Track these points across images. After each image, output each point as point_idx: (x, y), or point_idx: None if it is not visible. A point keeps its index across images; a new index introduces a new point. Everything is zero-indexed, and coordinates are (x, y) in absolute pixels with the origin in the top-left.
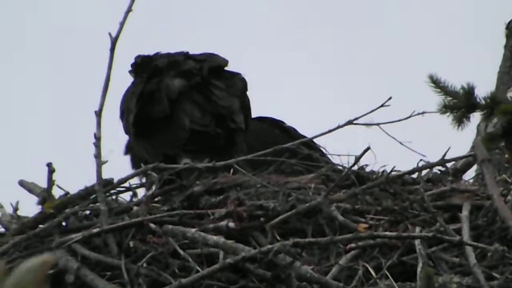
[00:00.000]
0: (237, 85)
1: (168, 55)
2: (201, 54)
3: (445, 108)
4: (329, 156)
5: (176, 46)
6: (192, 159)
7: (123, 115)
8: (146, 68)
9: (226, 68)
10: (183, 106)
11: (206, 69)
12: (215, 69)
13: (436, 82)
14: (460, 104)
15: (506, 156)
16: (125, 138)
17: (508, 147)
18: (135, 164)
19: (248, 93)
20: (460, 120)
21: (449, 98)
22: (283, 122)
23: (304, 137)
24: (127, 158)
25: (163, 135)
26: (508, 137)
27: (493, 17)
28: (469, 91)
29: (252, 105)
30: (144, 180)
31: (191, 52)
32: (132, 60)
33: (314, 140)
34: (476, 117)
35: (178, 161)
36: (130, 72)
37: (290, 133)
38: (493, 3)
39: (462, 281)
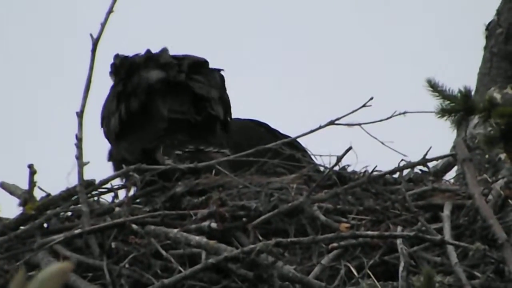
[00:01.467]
0: (215, 79)
1: (147, 53)
2: (179, 54)
3: (443, 112)
4: (312, 156)
5: (158, 47)
6: (171, 150)
7: (104, 120)
8: (125, 69)
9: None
10: (160, 96)
11: (186, 64)
12: (194, 64)
13: (434, 86)
14: (458, 107)
15: (503, 156)
16: (106, 144)
17: (506, 150)
18: (117, 170)
19: (227, 90)
20: (459, 123)
21: (447, 102)
22: (267, 125)
23: (288, 137)
24: (110, 164)
25: (141, 129)
26: (506, 140)
27: (472, 19)
28: (467, 94)
29: (234, 106)
30: (125, 181)
31: (170, 53)
32: (112, 60)
33: (297, 140)
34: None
35: (157, 155)
36: (110, 74)
37: (275, 133)
38: (473, 4)
39: (444, 280)
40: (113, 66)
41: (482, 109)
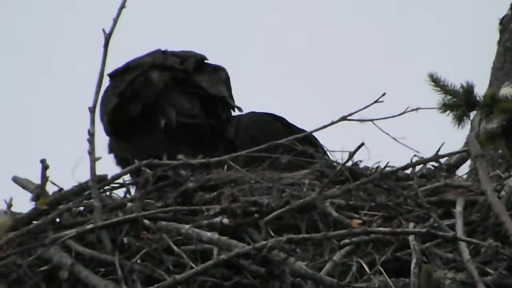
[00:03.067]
0: (220, 75)
1: (147, 55)
2: (178, 51)
3: (445, 107)
4: (327, 151)
5: (169, 42)
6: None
7: (104, 116)
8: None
9: (207, 62)
10: (167, 98)
11: (192, 62)
12: (198, 61)
13: (436, 81)
14: (460, 102)
15: (502, 152)
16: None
17: (507, 146)
18: (118, 162)
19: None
20: (461, 118)
21: (449, 97)
22: (284, 119)
23: (304, 132)
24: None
25: (146, 134)
26: (507, 136)
27: (487, 13)
28: (469, 90)
29: (247, 100)
30: (135, 178)
31: (169, 50)
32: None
33: (313, 135)
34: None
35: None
36: (108, 75)
37: (291, 128)
38: None
39: (456, 277)
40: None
41: (484, 105)
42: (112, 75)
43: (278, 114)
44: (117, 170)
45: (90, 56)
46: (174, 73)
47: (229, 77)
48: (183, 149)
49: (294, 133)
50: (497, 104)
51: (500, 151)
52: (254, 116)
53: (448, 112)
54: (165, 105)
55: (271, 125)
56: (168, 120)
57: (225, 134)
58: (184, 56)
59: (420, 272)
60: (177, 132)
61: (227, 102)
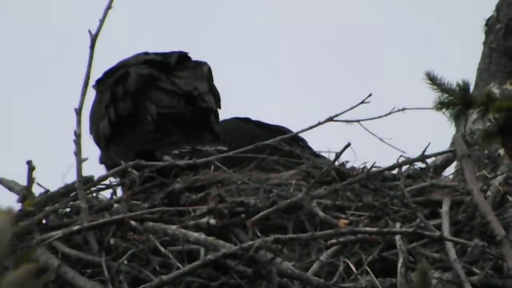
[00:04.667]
0: (203, 70)
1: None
2: (161, 52)
3: (441, 105)
4: (310, 147)
5: (155, 43)
6: (167, 152)
7: (93, 126)
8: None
9: (189, 57)
10: (148, 94)
11: (175, 57)
12: (180, 59)
13: (432, 79)
14: (456, 101)
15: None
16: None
17: (504, 145)
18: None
19: (215, 82)
20: (458, 116)
21: (445, 95)
22: (252, 119)
23: (278, 127)
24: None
25: (132, 133)
26: (503, 134)
27: (472, 14)
28: (465, 88)
29: (231, 102)
30: (121, 179)
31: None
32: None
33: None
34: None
35: (156, 154)
36: (93, 87)
37: (266, 126)
38: (472, 0)
39: (443, 277)
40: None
41: (480, 103)
42: (97, 85)
43: (245, 117)
44: (103, 171)
45: (77, 58)
46: (154, 68)
47: (211, 72)
48: (171, 140)
49: (271, 133)
50: (493, 103)
51: (486, 152)
52: (227, 125)
53: (444, 110)
54: (146, 103)
55: (247, 130)
56: (150, 115)
57: (210, 123)
58: (167, 55)
59: (415, 272)
60: (161, 123)
61: (202, 99)
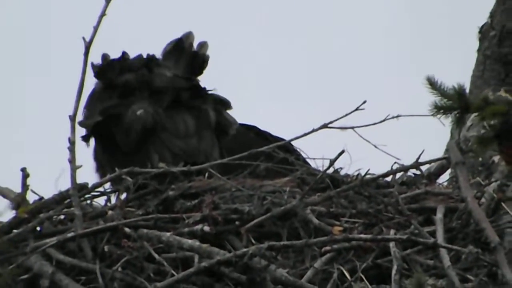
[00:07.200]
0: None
1: (132, 64)
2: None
3: (438, 110)
4: (305, 157)
5: (150, 50)
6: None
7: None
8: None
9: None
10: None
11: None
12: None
13: (433, 84)
14: (454, 105)
15: (495, 156)
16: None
17: (500, 150)
18: (98, 169)
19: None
20: (459, 121)
21: (445, 100)
22: (256, 127)
23: (280, 139)
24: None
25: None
26: (500, 139)
27: (466, 21)
28: (460, 91)
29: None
30: (116, 186)
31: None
32: (98, 59)
33: (290, 143)
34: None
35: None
36: (94, 75)
37: (265, 136)
38: (466, 7)
39: (437, 283)
40: (99, 69)
41: (477, 108)
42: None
43: (249, 124)
44: (97, 178)
45: (71, 64)
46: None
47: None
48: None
49: (268, 141)
50: (489, 107)
51: (480, 159)
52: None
53: (440, 115)
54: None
55: (245, 137)
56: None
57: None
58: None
59: (409, 279)
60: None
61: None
